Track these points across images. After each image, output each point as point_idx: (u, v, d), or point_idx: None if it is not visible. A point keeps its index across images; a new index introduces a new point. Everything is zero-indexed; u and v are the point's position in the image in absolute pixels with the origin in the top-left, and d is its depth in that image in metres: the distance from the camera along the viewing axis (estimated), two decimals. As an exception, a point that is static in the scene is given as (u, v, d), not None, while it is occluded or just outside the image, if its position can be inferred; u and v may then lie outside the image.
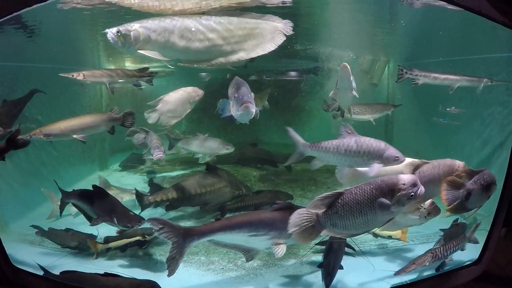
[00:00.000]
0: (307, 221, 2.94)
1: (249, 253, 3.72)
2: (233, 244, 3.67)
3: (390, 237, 4.94)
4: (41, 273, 3.84)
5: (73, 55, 7.16)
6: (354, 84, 4.67)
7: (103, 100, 8.84)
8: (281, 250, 3.57)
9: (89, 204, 4.34)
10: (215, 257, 4.57)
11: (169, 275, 3.32)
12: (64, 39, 6.46)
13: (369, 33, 7.31)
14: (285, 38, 4.20)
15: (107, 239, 4.56)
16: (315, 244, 4.65)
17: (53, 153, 6.89)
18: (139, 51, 3.94)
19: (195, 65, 4.21)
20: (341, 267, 3.94)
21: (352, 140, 3.69)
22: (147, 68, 5.25)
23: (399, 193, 2.84)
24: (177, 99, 5.33)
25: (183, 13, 4.19)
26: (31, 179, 6.09)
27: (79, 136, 4.52)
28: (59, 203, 4.72)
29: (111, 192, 5.20)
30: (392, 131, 8.75)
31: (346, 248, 4.35)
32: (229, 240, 3.61)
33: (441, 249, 3.92)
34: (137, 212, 4.62)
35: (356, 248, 4.63)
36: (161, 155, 5.22)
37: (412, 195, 2.85)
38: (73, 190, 4.58)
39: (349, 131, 3.78)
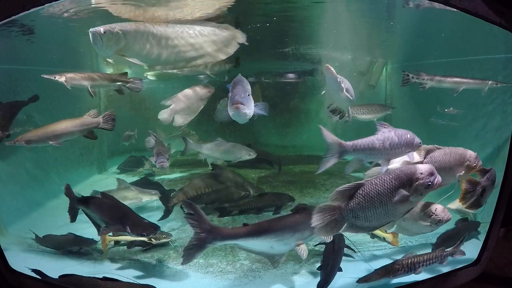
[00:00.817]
0: (329, 215, 2.96)
1: (274, 259, 3.74)
2: (259, 250, 3.69)
3: (384, 239, 4.94)
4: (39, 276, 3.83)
5: (72, 58, 7.17)
6: (345, 85, 4.53)
7: (102, 102, 8.85)
8: (304, 250, 3.71)
9: (98, 212, 4.20)
10: (213, 259, 4.56)
11: (182, 263, 3.38)
12: (63, 42, 6.47)
13: (367, 35, 7.33)
14: (239, 46, 4.74)
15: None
16: (314, 246, 4.66)
17: (51, 156, 6.88)
18: (118, 54, 4.07)
19: (160, 68, 4.44)
20: (340, 269, 3.93)
21: (391, 133, 3.59)
22: (126, 74, 5.30)
23: (417, 183, 2.87)
24: (191, 96, 5.34)
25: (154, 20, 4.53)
26: (30, 182, 6.08)
27: (54, 143, 4.51)
28: (68, 208, 4.49)
29: (129, 193, 5.22)
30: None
31: (345, 250, 4.36)
32: (254, 246, 3.62)
33: (409, 262, 3.68)
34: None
35: (356, 250, 4.63)
36: (165, 162, 5.11)
37: (429, 184, 2.87)
38: (82, 196, 4.46)
39: (385, 126, 3.67)
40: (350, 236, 4.69)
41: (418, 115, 7.74)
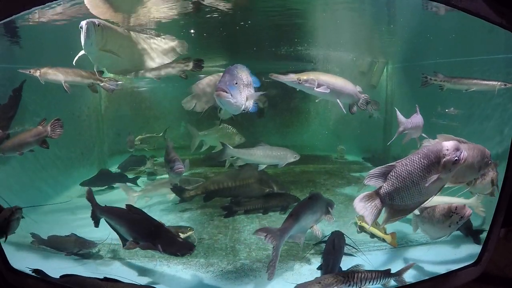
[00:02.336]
0: (369, 202, 3.08)
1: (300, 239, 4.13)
2: (299, 233, 4.08)
3: (384, 240, 4.94)
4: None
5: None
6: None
7: (102, 102, 8.85)
8: (318, 230, 4.22)
9: (126, 226, 3.95)
10: (214, 259, 4.57)
11: (269, 278, 3.54)
12: (63, 41, 6.45)
13: (368, 35, 7.33)
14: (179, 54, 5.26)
15: None
16: (314, 245, 4.67)
17: (52, 155, 6.88)
18: (102, 50, 4.16)
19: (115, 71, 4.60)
20: (340, 269, 3.93)
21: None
22: (102, 72, 5.31)
23: (444, 159, 2.94)
24: (213, 82, 5.32)
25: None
26: (30, 181, 6.08)
27: (19, 153, 4.63)
28: (91, 215, 4.40)
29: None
30: (390, 131, 8.76)
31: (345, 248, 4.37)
32: (297, 229, 4.01)
33: (355, 276, 3.51)
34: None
35: (356, 249, 4.63)
36: (182, 169, 4.98)
37: (457, 159, 2.94)
38: (106, 206, 4.31)
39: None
40: (351, 235, 4.72)
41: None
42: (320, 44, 8.03)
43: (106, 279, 3.60)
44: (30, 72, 4.86)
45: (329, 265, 3.85)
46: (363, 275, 3.52)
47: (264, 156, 5.89)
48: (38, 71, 4.87)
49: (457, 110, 6.19)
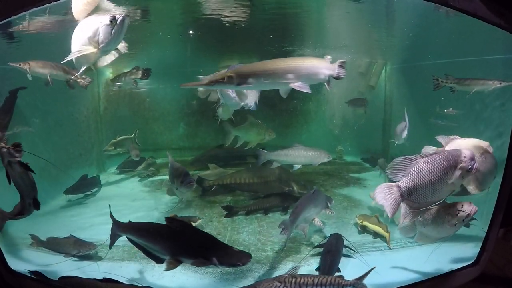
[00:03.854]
0: (389, 192, 3.18)
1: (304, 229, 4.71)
2: (303, 224, 4.65)
3: (383, 237, 4.96)
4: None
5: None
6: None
7: (101, 103, 8.85)
8: (319, 222, 4.85)
9: (163, 243, 3.50)
10: (213, 260, 4.56)
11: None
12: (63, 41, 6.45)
13: (366, 36, 7.34)
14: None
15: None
16: (313, 248, 4.67)
17: (50, 156, 6.86)
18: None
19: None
20: (339, 270, 3.94)
21: None
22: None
23: (460, 165, 3.14)
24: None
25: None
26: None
27: None
28: (110, 235, 3.97)
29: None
30: (389, 132, 8.77)
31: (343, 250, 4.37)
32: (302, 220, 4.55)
33: (293, 281, 3.24)
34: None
35: (355, 250, 4.63)
36: (193, 182, 4.85)
37: (470, 167, 3.14)
38: (130, 222, 3.88)
39: None
40: (351, 236, 4.72)
41: (417, 115, 7.75)
42: (318, 44, 8.03)
43: (105, 280, 3.60)
44: (20, 65, 4.92)
45: (327, 266, 3.85)
46: (303, 280, 3.25)
47: (299, 156, 6.10)
48: (28, 64, 4.95)
49: (456, 111, 6.20)
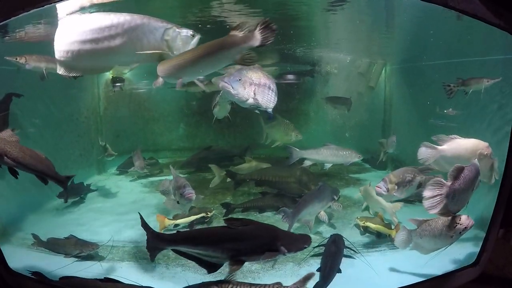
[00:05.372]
0: (438, 189, 3.36)
1: (309, 223, 5.01)
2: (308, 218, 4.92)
3: (389, 236, 4.97)
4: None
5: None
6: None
7: (101, 103, 8.85)
8: (324, 216, 5.11)
9: (223, 246, 3.24)
10: (213, 260, 4.56)
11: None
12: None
13: (366, 36, 7.34)
14: None
15: (176, 216, 4.85)
16: (313, 248, 4.67)
17: (50, 156, 6.85)
18: None
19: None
20: (339, 271, 3.93)
21: None
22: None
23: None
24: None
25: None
26: (28, 183, 6.06)
27: None
28: (148, 248, 3.40)
29: None
30: (389, 132, 8.77)
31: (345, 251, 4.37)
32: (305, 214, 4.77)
33: None
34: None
35: (356, 251, 4.63)
36: (193, 193, 4.70)
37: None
38: (179, 231, 3.59)
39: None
40: (349, 237, 4.72)
41: (417, 116, 7.76)
42: (318, 45, 8.04)
43: (106, 280, 3.61)
44: (16, 59, 5.05)
45: (327, 267, 3.85)
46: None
47: (331, 155, 6.29)
48: (24, 57, 5.09)
49: (456, 111, 6.19)
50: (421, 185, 4.34)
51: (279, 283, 3.21)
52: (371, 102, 9.09)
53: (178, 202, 4.83)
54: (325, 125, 9.85)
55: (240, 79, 3.65)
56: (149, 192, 7.34)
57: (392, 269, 4.32)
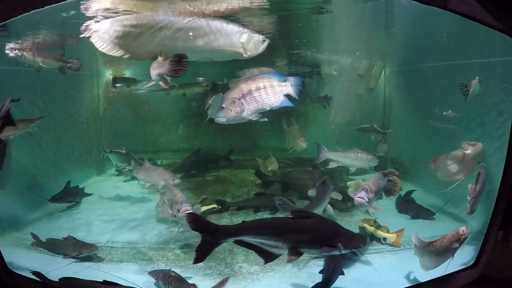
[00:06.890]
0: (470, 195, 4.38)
1: None
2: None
3: (385, 239, 4.95)
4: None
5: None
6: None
7: (101, 104, 8.85)
8: (331, 209, 5.41)
9: (286, 236, 3.24)
10: (212, 262, 4.55)
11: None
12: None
13: (365, 38, 7.34)
14: None
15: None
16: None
17: (50, 158, 6.87)
18: None
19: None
20: (342, 273, 3.91)
21: None
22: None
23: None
24: (260, 72, 5.52)
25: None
26: (28, 183, 6.06)
27: None
28: (201, 244, 3.12)
29: None
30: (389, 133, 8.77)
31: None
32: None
33: None
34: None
35: (357, 253, 4.63)
36: (190, 208, 4.61)
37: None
38: (243, 221, 3.47)
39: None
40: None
41: (416, 118, 7.76)
42: (317, 47, 8.04)
43: (105, 282, 3.60)
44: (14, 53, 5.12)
45: (330, 269, 3.83)
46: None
47: (356, 159, 6.40)
48: (22, 52, 5.15)
49: (455, 113, 6.18)
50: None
51: (194, 285, 3.66)
52: (370, 104, 9.10)
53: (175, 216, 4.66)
54: (325, 127, 9.86)
55: (222, 106, 3.93)
56: (148, 193, 7.33)
57: (392, 271, 4.32)
